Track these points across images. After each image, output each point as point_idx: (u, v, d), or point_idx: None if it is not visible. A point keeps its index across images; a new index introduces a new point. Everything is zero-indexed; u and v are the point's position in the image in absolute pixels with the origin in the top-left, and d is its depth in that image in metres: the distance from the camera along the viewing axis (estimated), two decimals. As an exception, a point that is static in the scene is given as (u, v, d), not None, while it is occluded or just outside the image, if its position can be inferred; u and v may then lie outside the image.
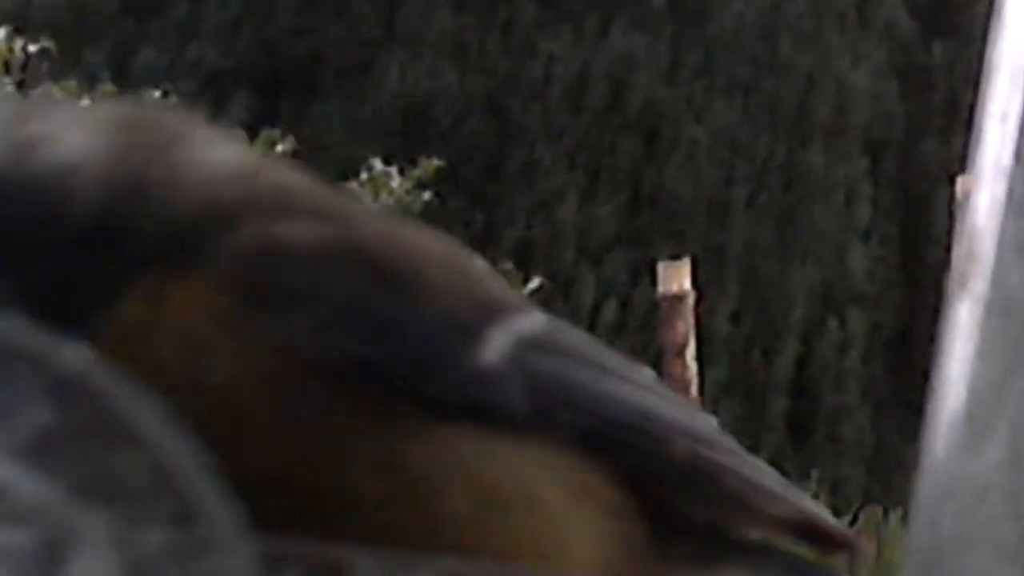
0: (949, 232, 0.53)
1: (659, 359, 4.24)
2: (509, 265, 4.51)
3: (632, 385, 0.54)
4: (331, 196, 0.56)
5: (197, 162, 0.52)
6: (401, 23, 9.26)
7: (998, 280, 0.44)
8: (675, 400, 0.58)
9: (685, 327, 4.00)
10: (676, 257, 4.31)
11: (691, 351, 4.01)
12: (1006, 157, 0.44)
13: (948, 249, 0.47)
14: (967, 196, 0.46)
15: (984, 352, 0.44)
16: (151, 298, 0.48)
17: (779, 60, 8.95)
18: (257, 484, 0.46)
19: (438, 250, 0.54)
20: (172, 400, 0.47)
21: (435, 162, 5.40)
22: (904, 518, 4.18)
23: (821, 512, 0.56)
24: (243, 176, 0.53)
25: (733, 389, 7.75)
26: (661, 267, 4.16)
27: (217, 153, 0.53)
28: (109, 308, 0.48)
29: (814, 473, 5.54)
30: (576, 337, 0.55)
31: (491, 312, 0.52)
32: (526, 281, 4.60)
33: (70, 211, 0.50)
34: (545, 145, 8.69)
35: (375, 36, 9.22)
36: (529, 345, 0.52)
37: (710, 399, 5.80)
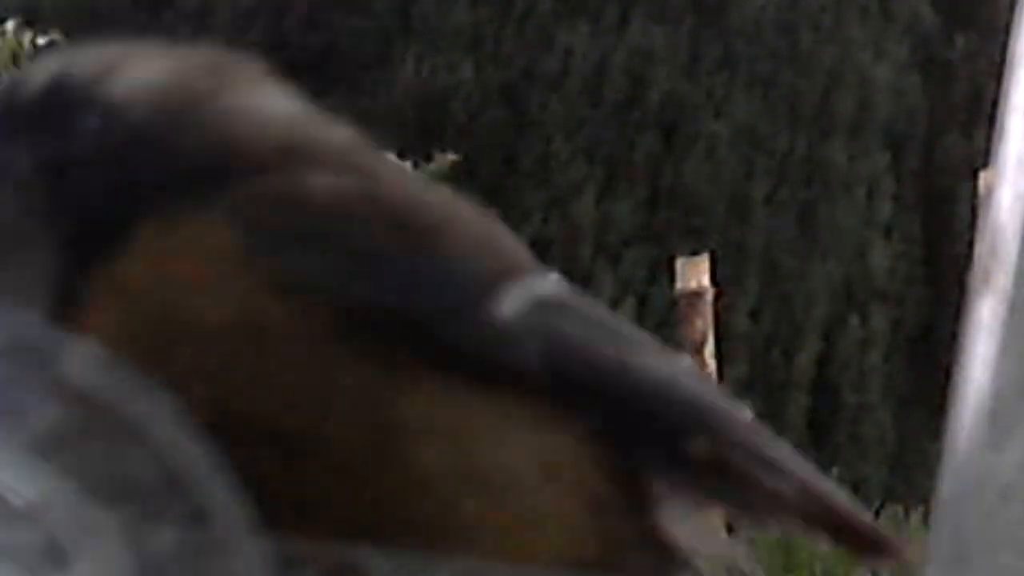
0: (972, 228, 0.54)
1: (678, 356, 4.24)
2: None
3: (661, 361, 0.53)
4: (368, 154, 0.56)
5: (243, 107, 0.53)
6: (417, 16, 9.25)
7: (1022, 277, 0.44)
8: (709, 384, 0.57)
9: (704, 324, 4.01)
10: (695, 253, 4.31)
11: (710, 348, 4.02)
12: None
13: (971, 245, 0.47)
14: (990, 191, 0.46)
15: (1007, 350, 0.44)
16: (167, 228, 0.49)
17: (800, 54, 8.89)
18: (243, 425, 0.47)
19: (462, 209, 0.54)
20: (172, 334, 0.48)
21: (451, 156, 5.40)
22: (926, 517, 4.19)
23: (852, 507, 0.54)
24: (284, 125, 0.54)
25: (753, 386, 7.68)
26: (680, 263, 4.16)
27: (266, 100, 0.55)
28: (127, 234, 0.49)
29: (835, 471, 5.51)
30: (599, 309, 0.54)
31: (511, 269, 0.51)
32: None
33: (113, 125, 0.52)
34: (562, 140, 8.66)
35: (390, 29, 9.21)
36: (549, 305, 0.51)
37: (730, 397, 5.77)
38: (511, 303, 0.50)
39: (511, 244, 0.55)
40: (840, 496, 0.53)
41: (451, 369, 0.49)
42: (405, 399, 0.48)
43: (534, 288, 0.51)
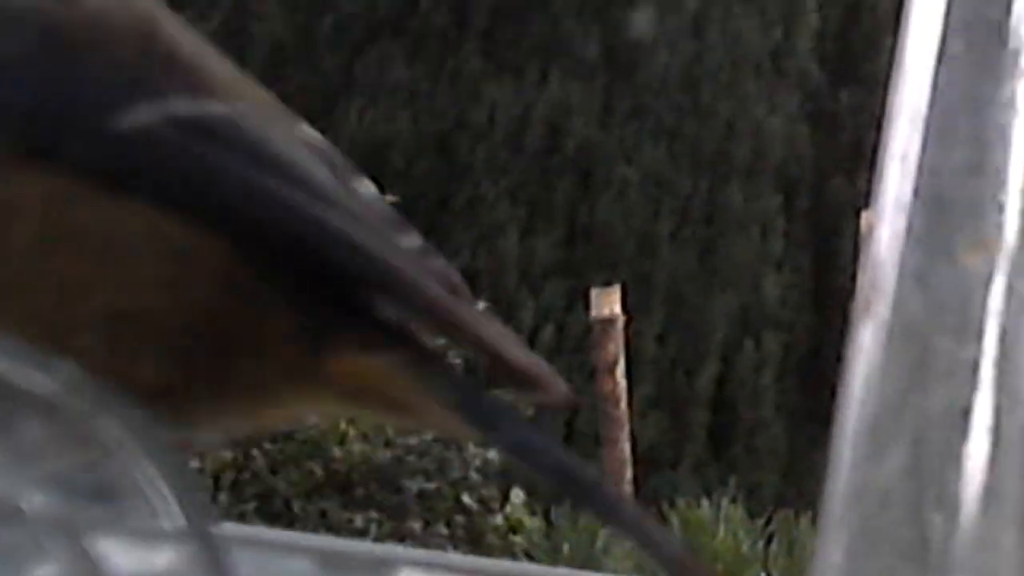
0: (855, 262, 0.54)
1: (592, 376, 4.25)
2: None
3: (308, 192, 0.51)
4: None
5: None
6: (359, 73, 9.29)
7: (898, 306, 0.45)
8: (372, 222, 0.53)
9: (616, 348, 4.05)
10: (608, 284, 4.35)
11: (621, 369, 4.07)
12: (906, 194, 0.45)
13: (854, 278, 0.47)
14: (871, 229, 0.46)
15: (886, 371, 0.45)
16: None
17: (701, 106, 9.01)
18: None
19: (140, 20, 0.52)
20: None
21: (390, 198, 5.40)
22: (815, 521, 4.23)
23: (511, 345, 0.53)
24: None
25: (659, 404, 7.84)
26: (594, 294, 4.21)
27: None
28: None
29: (733, 480, 5.60)
30: (286, 145, 0.52)
31: (160, 86, 0.50)
32: (471, 306, 4.66)
33: None
34: (489, 183, 8.71)
35: (336, 84, 9.24)
36: (186, 125, 0.50)
37: (638, 413, 5.87)
38: (141, 118, 0.49)
39: (194, 63, 0.52)
40: (510, 342, 0.52)
41: (61, 164, 0.48)
42: (16, 186, 0.48)
43: (172, 108, 0.50)
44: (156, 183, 0.49)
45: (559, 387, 0.52)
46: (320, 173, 0.51)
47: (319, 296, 0.51)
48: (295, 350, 0.51)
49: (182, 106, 0.50)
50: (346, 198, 0.51)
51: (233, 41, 9.26)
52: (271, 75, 9.25)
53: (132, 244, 0.49)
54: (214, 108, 0.50)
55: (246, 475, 4.16)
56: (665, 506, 4.54)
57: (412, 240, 0.53)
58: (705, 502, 4.58)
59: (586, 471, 0.52)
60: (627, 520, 0.52)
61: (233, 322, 0.50)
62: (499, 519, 4.37)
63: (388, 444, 4.21)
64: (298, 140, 0.52)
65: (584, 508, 0.46)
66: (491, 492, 4.33)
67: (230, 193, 0.49)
